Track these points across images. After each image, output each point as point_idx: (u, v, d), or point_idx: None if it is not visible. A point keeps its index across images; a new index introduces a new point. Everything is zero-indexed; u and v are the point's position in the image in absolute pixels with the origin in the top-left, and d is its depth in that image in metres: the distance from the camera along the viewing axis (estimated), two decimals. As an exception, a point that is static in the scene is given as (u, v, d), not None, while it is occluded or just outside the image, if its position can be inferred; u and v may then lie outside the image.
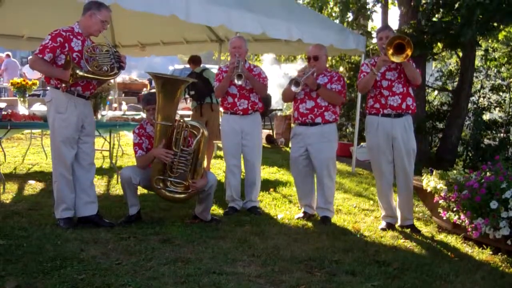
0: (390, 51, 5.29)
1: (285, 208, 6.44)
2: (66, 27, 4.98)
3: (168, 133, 5.17)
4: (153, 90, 5.29)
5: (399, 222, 5.74)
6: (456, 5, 9.94)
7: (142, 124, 5.51)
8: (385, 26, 5.72)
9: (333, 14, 12.44)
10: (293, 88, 5.64)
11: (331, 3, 13.10)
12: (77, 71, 4.80)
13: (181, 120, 5.21)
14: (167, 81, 5.21)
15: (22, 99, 8.25)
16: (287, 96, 5.95)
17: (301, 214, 6.01)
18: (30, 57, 5.60)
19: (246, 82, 5.95)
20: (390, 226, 5.69)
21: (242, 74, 5.80)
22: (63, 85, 4.90)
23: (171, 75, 5.24)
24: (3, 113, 6.64)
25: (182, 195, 5.23)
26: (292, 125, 6.34)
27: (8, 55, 18.43)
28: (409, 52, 5.25)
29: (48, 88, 5.16)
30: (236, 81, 5.84)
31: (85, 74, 4.88)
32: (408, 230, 5.60)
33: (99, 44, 5.09)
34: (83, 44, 4.99)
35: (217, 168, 8.97)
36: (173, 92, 5.15)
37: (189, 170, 5.16)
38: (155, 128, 5.20)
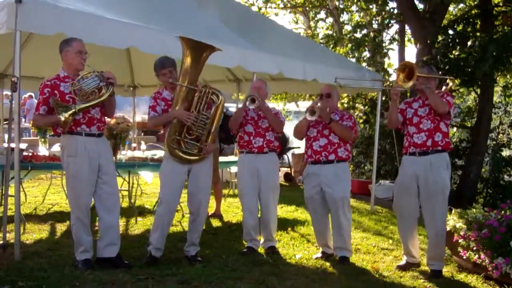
0: (402, 80, 5.39)
1: (303, 248, 6.41)
2: (50, 77, 5.03)
3: (189, 97, 5.26)
4: (164, 56, 5.52)
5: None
6: (470, 42, 9.97)
7: (159, 90, 5.57)
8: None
9: (349, 53, 12.53)
10: (309, 117, 5.68)
11: (346, 42, 13.23)
12: (60, 116, 4.79)
13: (204, 86, 5.34)
14: (197, 45, 5.21)
15: (42, 139, 8.39)
16: (300, 130, 5.96)
17: (320, 254, 5.97)
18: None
19: (262, 118, 5.98)
20: (408, 265, 5.63)
21: (255, 98, 5.77)
22: (64, 129, 4.90)
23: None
24: (24, 154, 6.75)
25: (194, 157, 5.32)
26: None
27: (30, 96, 18.75)
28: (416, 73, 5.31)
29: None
30: (248, 104, 5.79)
31: (69, 113, 4.80)
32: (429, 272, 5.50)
33: (83, 74, 5.00)
34: None
35: (235, 207, 8.96)
36: (201, 56, 5.23)
37: (205, 133, 5.29)
38: (178, 90, 5.27)
